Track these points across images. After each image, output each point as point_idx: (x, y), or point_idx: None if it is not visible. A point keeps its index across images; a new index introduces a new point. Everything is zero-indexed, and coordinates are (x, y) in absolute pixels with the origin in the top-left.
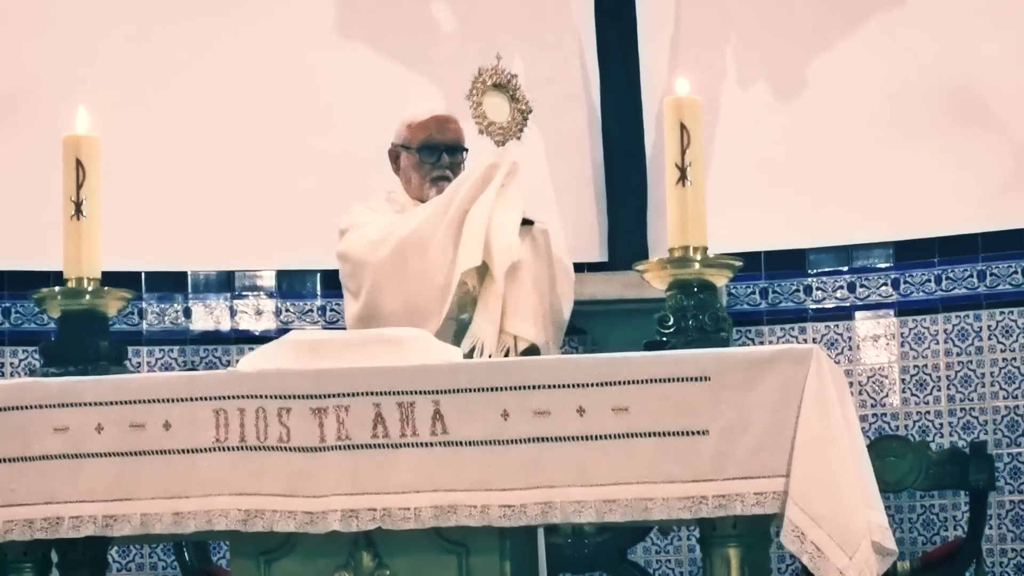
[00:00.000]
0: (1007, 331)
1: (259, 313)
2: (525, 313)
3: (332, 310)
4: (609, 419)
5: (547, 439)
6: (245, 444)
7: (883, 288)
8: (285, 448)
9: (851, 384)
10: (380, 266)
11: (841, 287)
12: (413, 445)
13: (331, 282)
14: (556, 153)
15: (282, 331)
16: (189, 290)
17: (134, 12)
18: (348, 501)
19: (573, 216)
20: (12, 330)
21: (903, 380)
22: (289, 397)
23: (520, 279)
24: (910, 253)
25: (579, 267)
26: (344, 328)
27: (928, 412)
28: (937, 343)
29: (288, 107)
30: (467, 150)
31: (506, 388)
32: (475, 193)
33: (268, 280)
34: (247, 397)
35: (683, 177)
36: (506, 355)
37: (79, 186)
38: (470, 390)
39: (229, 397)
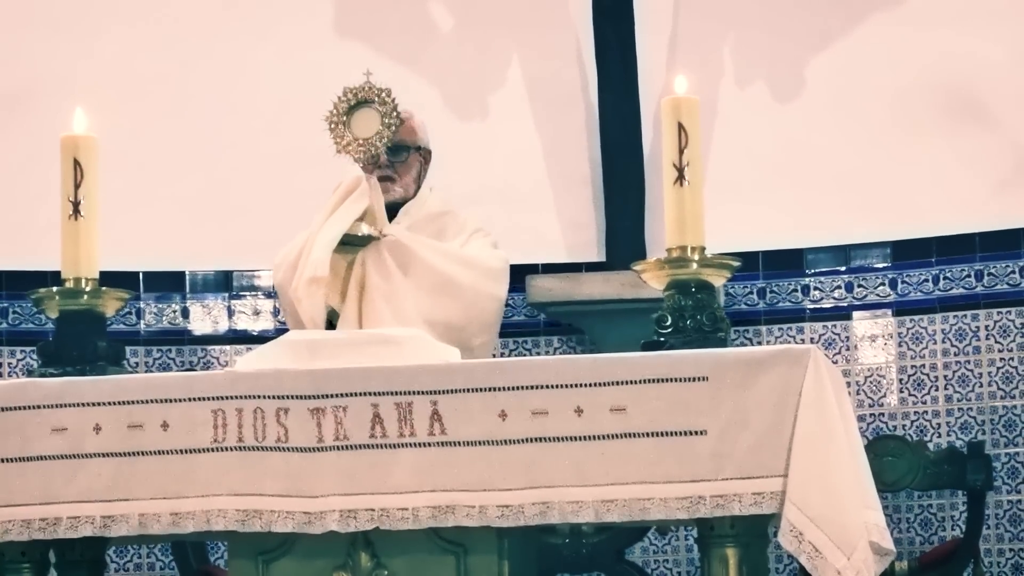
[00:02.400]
0: (1005, 331)
1: (257, 313)
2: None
3: None
4: (607, 419)
5: (545, 439)
6: (243, 444)
7: (880, 288)
8: (283, 448)
9: (849, 384)
10: (278, 288)
11: (839, 287)
12: (411, 445)
13: None
14: (553, 152)
15: (280, 331)
16: (187, 290)
17: (131, 12)
18: (346, 501)
19: (570, 216)
20: (10, 330)
21: (900, 380)
22: (287, 397)
23: (368, 296)
24: (908, 253)
25: (576, 267)
26: None
27: (926, 412)
28: (935, 343)
29: (286, 107)
30: (420, 149)
31: (504, 388)
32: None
33: (266, 280)
34: (245, 397)
35: (681, 177)
36: None
37: (77, 186)
38: (468, 390)
39: (227, 397)
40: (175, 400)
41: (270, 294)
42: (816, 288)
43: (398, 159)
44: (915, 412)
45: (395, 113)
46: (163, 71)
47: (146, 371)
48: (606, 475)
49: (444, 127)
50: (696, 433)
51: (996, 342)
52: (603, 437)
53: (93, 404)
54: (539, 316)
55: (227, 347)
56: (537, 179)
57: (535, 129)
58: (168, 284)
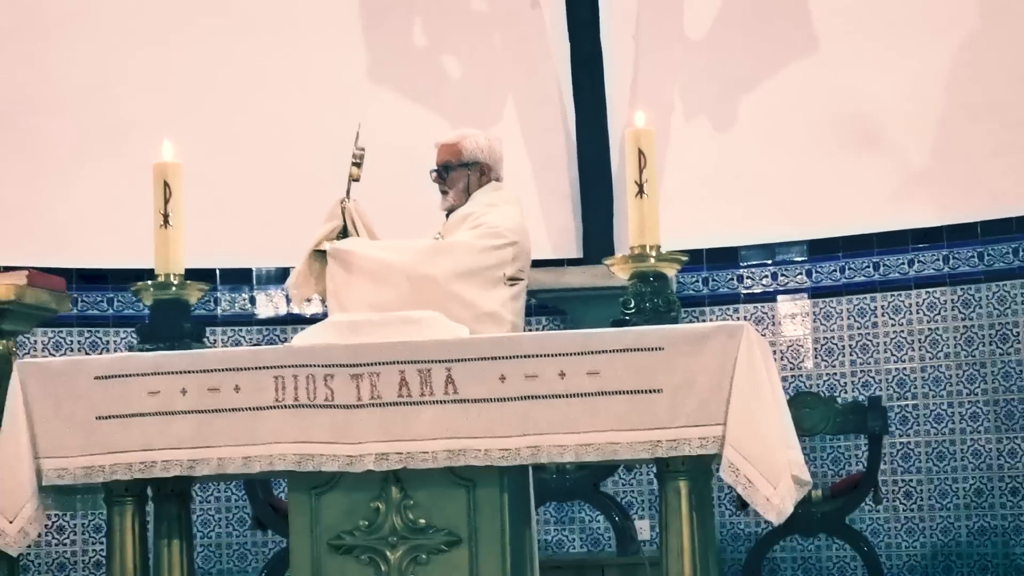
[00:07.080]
0: (896, 310)
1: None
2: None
3: None
4: (585, 381)
5: (536, 397)
6: (298, 403)
7: (799, 277)
8: (330, 406)
9: (774, 352)
10: None
11: (766, 276)
12: (431, 403)
13: None
14: (540, 173)
15: (327, 315)
16: (254, 283)
17: (202, 59)
18: (380, 447)
19: (555, 222)
20: (115, 315)
21: (815, 349)
22: (333, 366)
23: (328, 297)
24: (820, 249)
25: (560, 262)
26: None
27: (835, 373)
28: (842, 319)
29: (331, 137)
30: (468, 165)
31: (504, 357)
32: None
33: None
34: (300, 366)
35: (641, 191)
36: None
37: (166, 202)
38: (475, 359)
39: (286, 366)
40: (245, 369)
41: None
42: (748, 277)
43: (445, 178)
44: (827, 374)
45: (354, 157)
46: (235, 105)
47: (222, 347)
48: (585, 425)
49: None
50: (655, 391)
51: (890, 319)
52: (582, 395)
53: (180, 372)
54: (531, 301)
55: (286, 327)
56: (528, 194)
57: (526, 154)
58: (239, 278)
